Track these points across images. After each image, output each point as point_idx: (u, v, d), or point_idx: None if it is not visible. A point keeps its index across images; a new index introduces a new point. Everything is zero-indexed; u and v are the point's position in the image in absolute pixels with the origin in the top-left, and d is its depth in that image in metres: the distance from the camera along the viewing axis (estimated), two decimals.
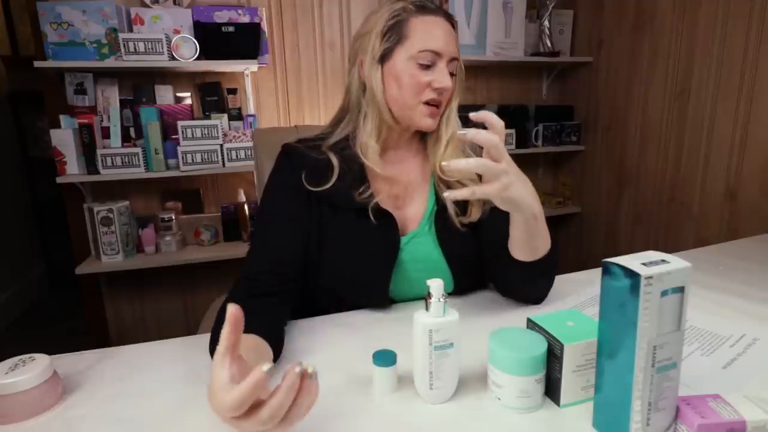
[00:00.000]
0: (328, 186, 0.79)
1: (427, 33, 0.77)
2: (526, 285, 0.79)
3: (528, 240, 0.71)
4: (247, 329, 0.60)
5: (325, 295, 0.82)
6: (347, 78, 0.85)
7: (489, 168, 0.59)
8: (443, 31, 0.78)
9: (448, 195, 0.60)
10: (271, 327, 0.64)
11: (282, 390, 0.40)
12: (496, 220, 0.83)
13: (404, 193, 0.86)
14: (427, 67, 0.77)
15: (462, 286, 0.85)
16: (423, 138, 0.89)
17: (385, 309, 0.82)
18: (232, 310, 0.43)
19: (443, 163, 0.61)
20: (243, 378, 0.40)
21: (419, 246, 0.83)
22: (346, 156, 0.82)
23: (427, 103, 0.79)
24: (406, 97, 0.79)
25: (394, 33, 0.78)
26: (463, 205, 0.84)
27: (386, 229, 0.80)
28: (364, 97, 0.82)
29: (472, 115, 0.61)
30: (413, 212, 0.86)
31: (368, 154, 0.81)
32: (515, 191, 0.62)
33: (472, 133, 0.59)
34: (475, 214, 0.83)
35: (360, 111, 0.83)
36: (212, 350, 0.62)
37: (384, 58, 0.79)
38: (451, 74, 0.80)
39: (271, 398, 0.41)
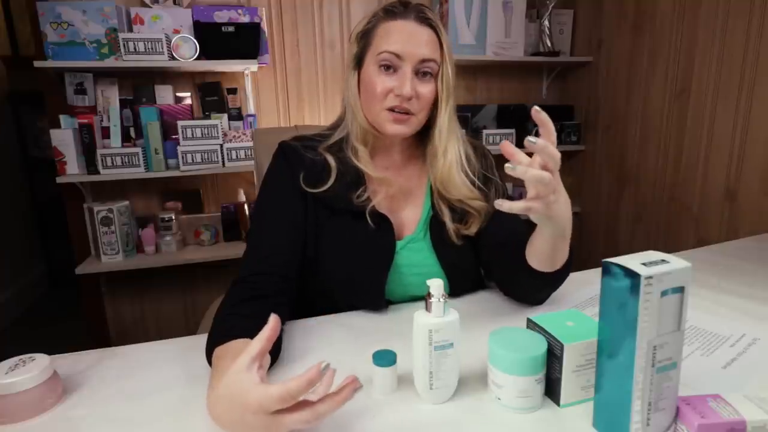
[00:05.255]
0: (325, 188, 0.79)
1: (388, 35, 0.76)
2: (535, 291, 0.79)
3: (550, 254, 0.68)
4: (246, 333, 0.59)
5: (321, 297, 0.82)
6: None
7: (545, 184, 0.55)
8: (407, 33, 0.75)
9: (504, 204, 0.54)
10: None
11: (335, 401, 0.44)
12: (500, 224, 0.82)
13: (400, 195, 0.85)
14: (391, 71, 0.76)
15: (458, 290, 0.85)
16: (422, 145, 0.87)
17: (382, 311, 0.81)
18: (273, 323, 0.47)
19: (508, 165, 0.54)
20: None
21: (415, 251, 0.83)
22: (342, 158, 0.82)
23: (391, 109, 0.77)
24: (371, 102, 0.78)
25: (364, 39, 0.79)
26: (461, 217, 0.83)
27: (382, 233, 0.80)
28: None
29: (534, 111, 0.56)
30: (409, 217, 0.85)
31: (358, 156, 0.81)
32: (556, 210, 0.58)
33: (520, 171, 0.53)
34: (473, 228, 0.83)
35: (350, 115, 0.83)
36: (209, 356, 0.61)
37: (358, 64, 0.80)
38: (432, 76, 0.77)
39: (322, 404, 0.44)
